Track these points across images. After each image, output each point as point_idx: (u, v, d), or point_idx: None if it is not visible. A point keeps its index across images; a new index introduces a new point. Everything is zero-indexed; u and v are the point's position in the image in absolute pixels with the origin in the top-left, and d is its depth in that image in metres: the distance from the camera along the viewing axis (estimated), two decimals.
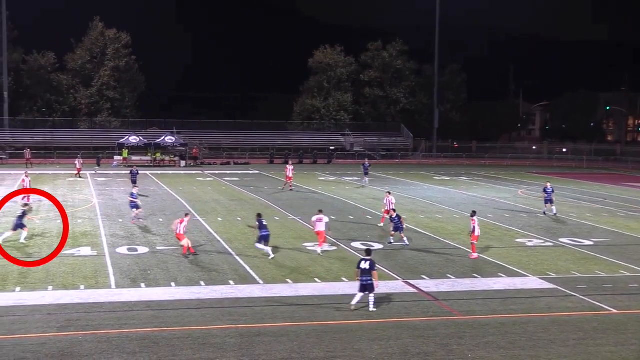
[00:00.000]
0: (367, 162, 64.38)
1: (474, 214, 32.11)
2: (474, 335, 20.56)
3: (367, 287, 22.59)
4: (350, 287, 25.20)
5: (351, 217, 42.79)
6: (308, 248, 32.75)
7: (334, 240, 34.31)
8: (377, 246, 33.32)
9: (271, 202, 48.87)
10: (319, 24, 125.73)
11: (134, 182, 51.79)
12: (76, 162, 67.94)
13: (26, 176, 47.03)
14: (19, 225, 32.64)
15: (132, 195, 39.75)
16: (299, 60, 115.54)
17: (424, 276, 27.73)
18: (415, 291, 25.53)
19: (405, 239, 34.12)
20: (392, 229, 34.60)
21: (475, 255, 31.39)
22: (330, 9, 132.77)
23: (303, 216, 42.12)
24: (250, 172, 76.21)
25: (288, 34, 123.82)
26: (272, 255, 30.29)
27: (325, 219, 31.85)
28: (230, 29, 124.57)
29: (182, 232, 30.49)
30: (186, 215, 32.01)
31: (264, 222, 30.96)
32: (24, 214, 33.04)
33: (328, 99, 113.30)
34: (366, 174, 61.98)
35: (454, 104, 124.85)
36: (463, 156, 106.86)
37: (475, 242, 31.55)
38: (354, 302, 22.77)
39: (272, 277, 27.17)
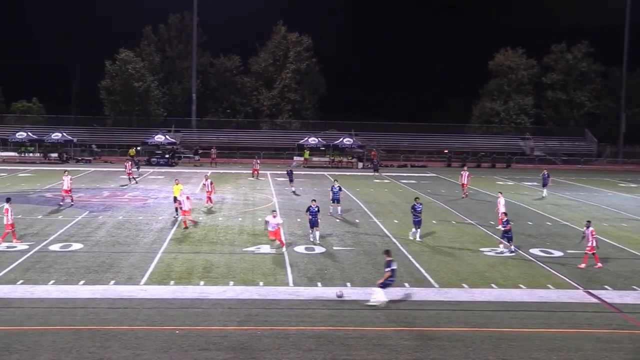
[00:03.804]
0: (545, 171, 58.47)
1: (588, 224, 30.58)
2: None
3: None
4: (527, 295, 24.57)
5: (530, 223, 41.64)
6: (485, 253, 32.23)
7: (513, 247, 33.60)
8: (556, 253, 32.34)
9: (448, 206, 48.40)
10: (500, 25, 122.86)
11: (291, 180, 56.09)
12: (253, 162, 68.69)
13: (206, 179, 46.54)
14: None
15: (333, 189, 42.77)
16: (479, 62, 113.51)
17: (606, 286, 26.60)
18: (597, 301, 24.55)
19: (501, 246, 32.96)
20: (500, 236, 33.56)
21: (584, 265, 29.72)
22: (511, 11, 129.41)
23: (480, 220, 41.52)
24: (427, 175, 75.82)
25: (469, 36, 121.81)
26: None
27: None
28: (410, 32, 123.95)
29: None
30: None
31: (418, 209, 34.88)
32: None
33: (508, 102, 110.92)
34: (545, 185, 56.73)
35: None
36: None
37: (590, 253, 29.80)
38: None
39: (447, 281, 26.94)
